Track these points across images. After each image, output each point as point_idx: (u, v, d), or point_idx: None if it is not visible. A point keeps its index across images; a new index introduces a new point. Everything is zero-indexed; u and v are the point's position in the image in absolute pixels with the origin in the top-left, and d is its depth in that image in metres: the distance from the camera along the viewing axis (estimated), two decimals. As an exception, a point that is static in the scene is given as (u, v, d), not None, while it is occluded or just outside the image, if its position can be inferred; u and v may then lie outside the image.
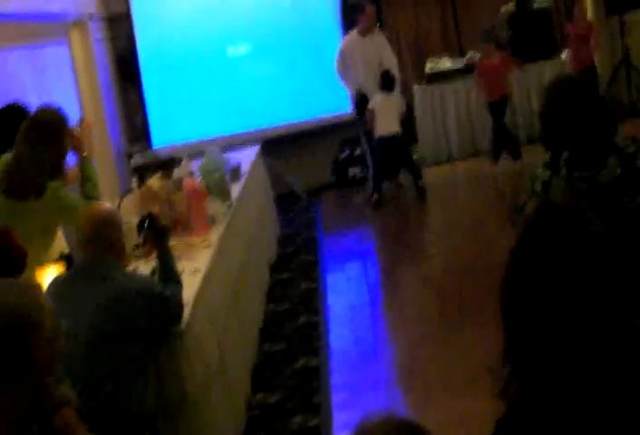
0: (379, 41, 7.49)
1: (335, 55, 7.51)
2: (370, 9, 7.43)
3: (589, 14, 8.54)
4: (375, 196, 7.33)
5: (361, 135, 7.73)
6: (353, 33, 7.48)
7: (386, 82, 7.20)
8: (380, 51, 7.41)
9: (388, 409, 1.42)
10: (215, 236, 4.10)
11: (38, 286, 1.95)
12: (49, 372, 1.78)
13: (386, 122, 7.22)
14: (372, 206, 7.30)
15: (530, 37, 8.33)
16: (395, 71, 7.40)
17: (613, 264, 1.48)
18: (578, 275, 1.44)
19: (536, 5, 8.47)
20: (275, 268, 5.78)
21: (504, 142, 7.70)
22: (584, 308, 1.42)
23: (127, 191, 4.50)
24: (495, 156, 7.73)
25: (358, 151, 8.08)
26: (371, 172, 7.58)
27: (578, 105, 2.54)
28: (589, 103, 2.55)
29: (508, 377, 1.48)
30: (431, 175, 7.93)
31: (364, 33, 7.40)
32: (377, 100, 7.26)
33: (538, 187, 2.63)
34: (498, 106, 7.72)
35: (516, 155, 7.62)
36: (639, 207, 2.49)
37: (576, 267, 1.44)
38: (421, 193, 7.27)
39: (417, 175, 7.39)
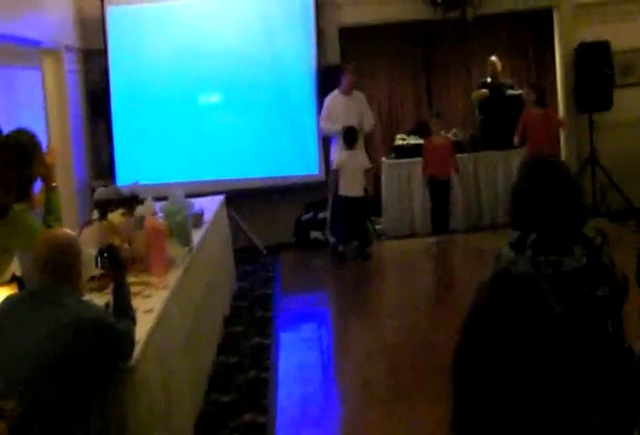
0: (360, 100, 7.86)
1: (322, 112, 7.78)
2: (350, 70, 7.81)
3: (560, 111, 8.69)
4: (341, 247, 7.43)
5: (329, 197, 7.75)
6: (336, 92, 7.79)
7: (348, 138, 7.39)
8: (361, 109, 7.80)
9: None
10: (172, 278, 3.99)
11: None
12: None
13: (350, 183, 7.33)
14: (337, 256, 7.41)
15: (501, 123, 8.33)
16: (369, 127, 7.84)
17: (565, 340, 1.44)
18: (530, 346, 1.41)
19: (509, 92, 8.52)
20: (228, 321, 5.65)
21: (439, 223, 7.87)
22: (531, 384, 1.40)
23: (88, 222, 4.35)
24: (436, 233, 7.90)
25: (322, 215, 8.04)
26: (337, 227, 7.61)
27: (552, 185, 2.54)
28: (562, 186, 2.55)
29: None
30: (392, 248, 7.98)
31: (346, 92, 7.75)
32: (342, 158, 7.40)
33: (504, 265, 2.58)
34: (439, 186, 7.80)
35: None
36: (598, 299, 2.49)
37: (527, 338, 1.41)
38: (364, 257, 7.39)
39: (366, 240, 7.50)
